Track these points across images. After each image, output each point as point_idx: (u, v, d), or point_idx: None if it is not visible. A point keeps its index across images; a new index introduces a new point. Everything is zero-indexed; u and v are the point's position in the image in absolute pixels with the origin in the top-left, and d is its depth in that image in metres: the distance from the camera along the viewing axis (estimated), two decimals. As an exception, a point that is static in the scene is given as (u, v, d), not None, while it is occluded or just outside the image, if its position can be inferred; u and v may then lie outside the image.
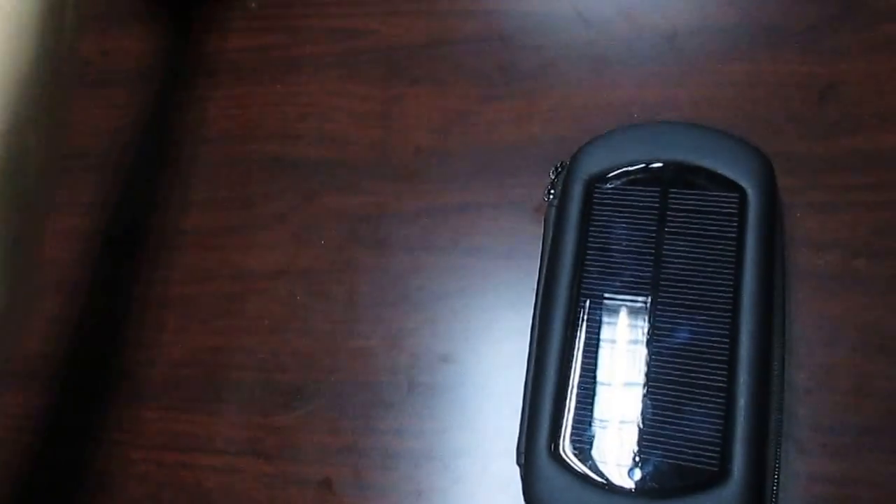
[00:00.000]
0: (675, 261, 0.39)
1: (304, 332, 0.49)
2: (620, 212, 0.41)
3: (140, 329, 0.53)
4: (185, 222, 0.55)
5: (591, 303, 0.39)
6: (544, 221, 0.44)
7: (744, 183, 0.40)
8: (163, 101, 0.59)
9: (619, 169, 0.42)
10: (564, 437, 0.37)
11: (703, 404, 0.36)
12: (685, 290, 0.39)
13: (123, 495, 0.48)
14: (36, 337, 0.54)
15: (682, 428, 0.36)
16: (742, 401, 0.36)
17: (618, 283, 0.39)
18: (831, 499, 0.40)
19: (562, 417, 0.37)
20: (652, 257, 0.39)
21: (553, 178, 0.44)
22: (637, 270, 0.39)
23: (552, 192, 0.44)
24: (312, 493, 0.46)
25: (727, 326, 0.37)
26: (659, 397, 0.37)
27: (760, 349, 0.37)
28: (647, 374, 0.38)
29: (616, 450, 0.37)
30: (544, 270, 0.42)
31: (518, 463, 0.39)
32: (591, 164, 0.42)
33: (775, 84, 0.49)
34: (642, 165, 0.41)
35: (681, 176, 0.41)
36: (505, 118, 0.52)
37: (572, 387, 0.38)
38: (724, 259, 0.39)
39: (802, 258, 0.44)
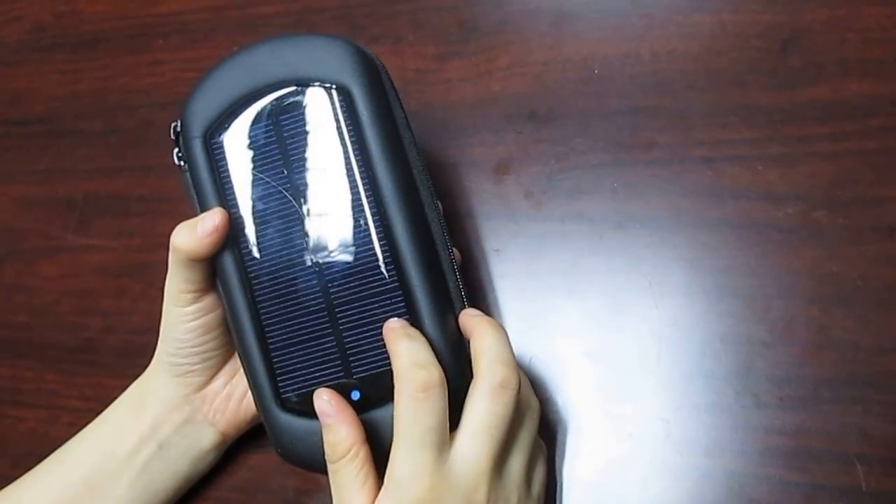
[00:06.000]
0: (311, 189, 0.38)
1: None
2: (246, 159, 0.39)
3: (99, 297, 0.53)
4: (143, 188, 0.54)
5: (257, 261, 0.39)
6: (185, 187, 0.41)
7: (345, 82, 0.39)
8: (117, 64, 0.58)
9: (227, 113, 0.40)
10: (283, 386, 0.38)
11: (389, 311, 0.37)
12: (332, 215, 0.38)
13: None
14: (-6, 306, 0.53)
15: (379, 337, 0.37)
16: (418, 294, 0.37)
17: (272, 232, 0.39)
18: (788, 451, 0.40)
19: (273, 371, 0.39)
20: (291, 194, 0.39)
21: (175, 138, 0.41)
22: (283, 214, 0.39)
23: (180, 154, 0.41)
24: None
25: (382, 233, 0.38)
26: (350, 320, 0.38)
27: (419, 242, 0.38)
28: (331, 306, 0.38)
29: (329, 379, 0.38)
30: None
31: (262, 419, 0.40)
32: (200, 118, 0.40)
33: (737, 35, 0.48)
34: (247, 101, 0.39)
35: (283, 99, 0.39)
36: (464, 76, 0.51)
37: (272, 341, 0.39)
38: (347, 166, 0.38)
39: (762, 212, 0.44)
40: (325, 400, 0.37)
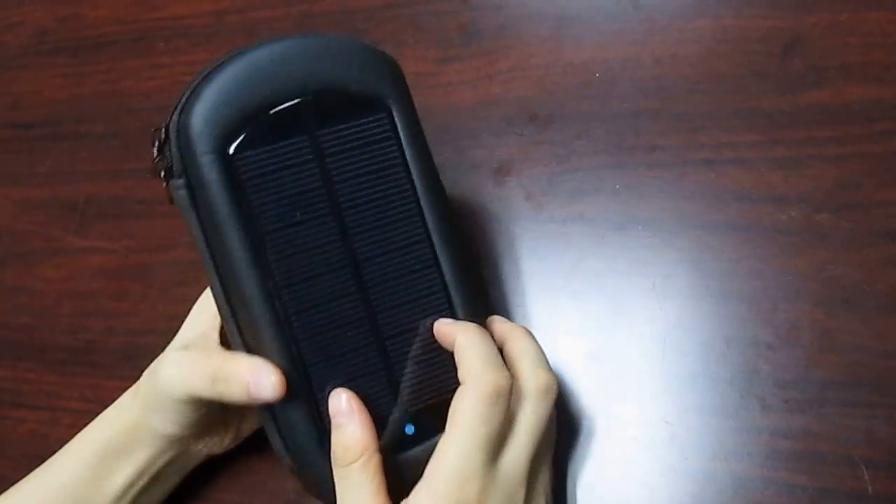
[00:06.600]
0: (356, 207, 0.35)
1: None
2: (275, 177, 0.33)
3: (100, 299, 0.52)
4: (143, 191, 0.54)
5: (287, 291, 0.34)
6: (179, 206, 0.34)
7: (385, 96, 0.36)
8: (119, 68, 0.58)
9: (248, 122, 0.33)
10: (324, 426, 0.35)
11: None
12: (379, 234, 0.35)
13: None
14: (-6, 308, 0.53)
15: (432, 367, 0.36)
16: (459, 311, 0.37)
17: (306, 257, 0.34)
18: (793, 454, 0.40)
19: (318, 412, 0.35)
20: (332, 215, 0.34)
21: (157, 151, 0.34)
22: (322, 234, 0.34)
23: (164, 167, 0.34)
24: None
25: (429, 252, 0.36)
26: (399, 347, 0.36)
27: (458, 261, 0.37)
28: (378, 333, 0.35)
29: (378, 414, 0.35)
30: (214, 269, 0.35)
31: (284, 462, 0.36)
32: (211, 129, 0.32)
33: (739, 39, 0.48)
34: (274, 108, 0.33)
35: (322, 109, 0.34)
36: (464, 79, 0.51)
37: (313, 378, 0.35)
38: (400, 185, 0.35)
39: (766, 214, 0.44)
40: (342, 399, 0.34)
